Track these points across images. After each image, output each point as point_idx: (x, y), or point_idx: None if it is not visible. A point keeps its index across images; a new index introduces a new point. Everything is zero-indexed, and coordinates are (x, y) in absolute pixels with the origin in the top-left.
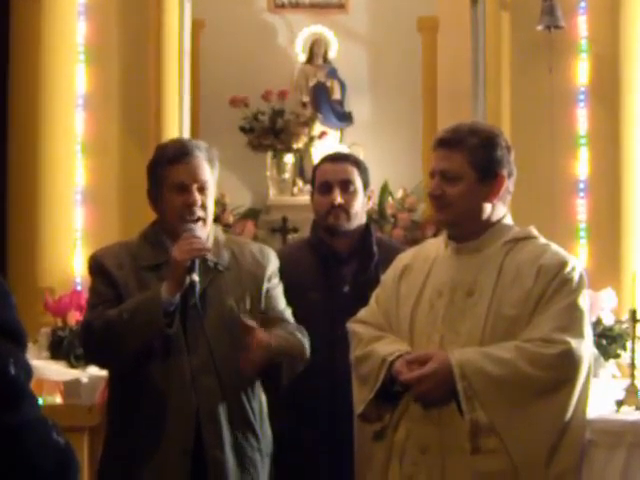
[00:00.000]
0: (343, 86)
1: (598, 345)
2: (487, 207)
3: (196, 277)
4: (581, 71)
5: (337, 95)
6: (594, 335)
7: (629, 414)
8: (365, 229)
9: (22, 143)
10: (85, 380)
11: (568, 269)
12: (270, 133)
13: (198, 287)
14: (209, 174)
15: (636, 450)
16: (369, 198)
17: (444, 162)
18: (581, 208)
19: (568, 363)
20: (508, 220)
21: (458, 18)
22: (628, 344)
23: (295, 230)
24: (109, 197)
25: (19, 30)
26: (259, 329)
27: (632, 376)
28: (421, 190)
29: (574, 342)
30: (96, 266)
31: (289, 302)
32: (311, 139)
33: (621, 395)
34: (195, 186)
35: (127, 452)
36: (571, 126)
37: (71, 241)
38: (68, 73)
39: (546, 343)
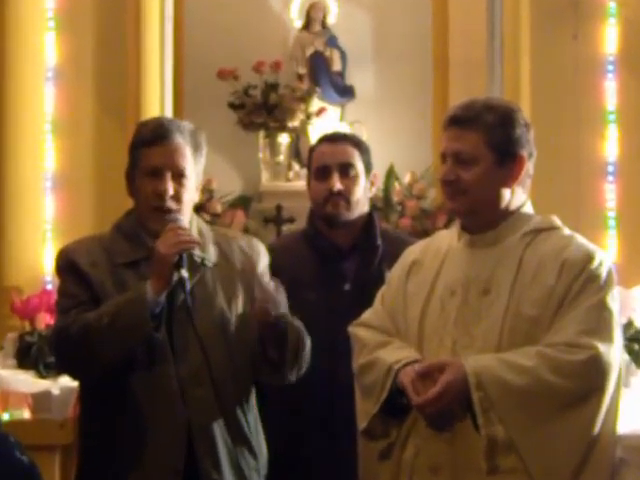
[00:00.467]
0: (344, 56)
1: (629, 350)
2: (506, 193)
3: (185, 273)
4: (609, 38)
5: (337, 66)
6: (625, 339)
7: None
8: (368, 219)
9: None
10: (56, 392)
11: (595, 264)
12: (262, 109)
13: (189, 284)
14: (190, 161)
15: None
16: (372, 184)
17: (457, 143)
18: (610, 194)
19: (596, 371)
20: (528, 208)
21: None
22: None
23: (291, 220)
24: (83, 183)
25: None
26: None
27: None
28: (431, 174)
29: (602, 347)
30: (66, 264)
31: None
32: (308, 116)
33: None
34: (169, 173)
35: (107, 475)
36: (598, 100)
37: (40, 234)
38: (35, 42)
39: (571, 348)
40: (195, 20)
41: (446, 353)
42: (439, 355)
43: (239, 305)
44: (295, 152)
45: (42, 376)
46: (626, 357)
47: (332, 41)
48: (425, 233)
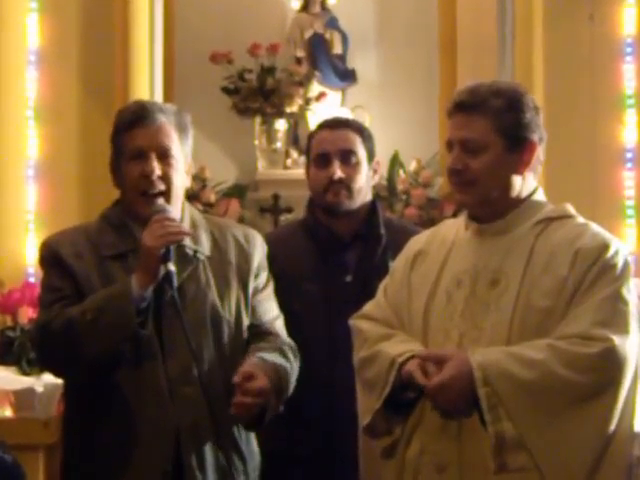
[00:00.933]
0: (345, 38)
1: None
2: (517, 180)
3: (172, 267)
4: (627, 18)
5: (338, 49)
6: None
7: None
8: (370, 208)
9: None
10: (40, 389)
11: (610, 253)
12: (258, 94)
13: (175, 279)
14: (175, 141)
15: None
16: (375, 171)
17: (464, 130)
18: (628, 182)
19: (610, 364)
20: (540, 196)
21: None
22: None
23: (288, 210)
24: (67, 172)
25: None
26: (260, 373)
27: None
28: (438, 162)
29: (617, 339)
30: (50, 256)
31: (281, 294)
32: (307, 101)
33: None
34: (154, 154)
35: (93, 476)
36: (615, 84)
37: (22, 225)
38: (17, 23)
39: (584, 341)
40: (186, 0)
41: (453, 347)
42: (445, 349)
43: (232, 300)
44: (293, 139)
45: (25, 373)
46: None
47: (332, 23)
48: (432, 223)
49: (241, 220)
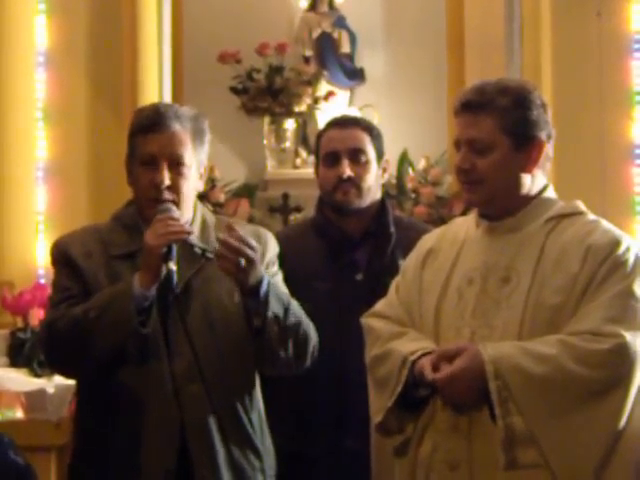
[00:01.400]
0: (353, 37)
1: None
2: (526, 178)
3: (173, 266)
4: (635, 15)
5: (346, 48)
6: None
7: None
8: (380, 206)
9: None
10: (51, 391)
11: (622, 250)
12: (267, 94)
13: (176, 278)
14: (189, 149)
15: None
16: (384, 170)
17: (471, 130)
18: (637, 178)
19: (621, 360)
20: (550, 193)
21: None
22: None
23: (298, 209)
24: (76, 173)
25: None
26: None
27: None
28: (447, 160)
29: (629, 335)
30: (60, 256)
31: (292, 293)
32: (315, 101)
33: None
34: (165, 162)
35: (99, 474)
36: (624, 81)
37: (32, 226)
38: (25, 25)
39: (595, 337)
40: (194, 0)
41: (465, 342)
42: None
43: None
44: (302, 138)
45: (36, 374)
46: None
47: (340, 22)
48: (441, 221)
49: (251, 220)
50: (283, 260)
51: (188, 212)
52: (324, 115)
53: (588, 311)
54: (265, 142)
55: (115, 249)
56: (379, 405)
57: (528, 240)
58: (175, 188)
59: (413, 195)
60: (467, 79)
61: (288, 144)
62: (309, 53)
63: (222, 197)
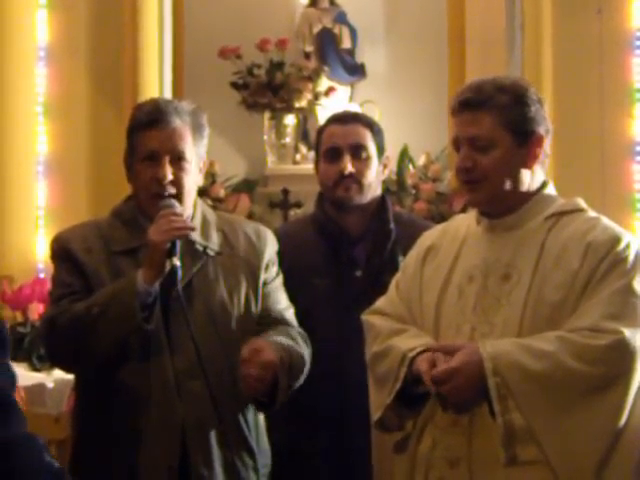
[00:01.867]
0: (354, 33)
1: None
2: (526, 175)
3: (177, 262)
4: (636, 12)
5: (347, 44)
6: None
7: None
8: (380, 203)
9: None
10: (51, 385)
11: (622, 246)
12: (267, 90)
13: (180, 273)
14: (189, 144)
15: None
16: (385, 166)
17: (471, 127)
18: (638, 175)
19: (620, 356)
20: (550, 190)
21: None
22: None
23: (298, 205)
24: (76, 168)
25: None
26: (267, 345)
27: None
28: (447, 156)
29: (628, 332)
30: (61, 251)
31: (291, 289)
32: (316, 96)
33: None
34: (167, 157)
35: (100, 470)
36: (624, 78)
37: (32, 220)
38: (26, 20)
39: (595, 333)
40: None
41: (464, 341)
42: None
43: (241, 297)
44: (302, 134)
45: (35, 369)
46: None
47: (341, 17)
48: (441, 217)
49: (251, 215)
50: (283, 256)
51: (189, 207)
52: (325, 111)
53: (588, 308)
54: (265, 137)
55: (116, 245)
56: (378, 402)
57: (528, 237)
58: (177, 183)
59: (413, 191)
60: (468, 75)
61: (288, 140)
62: (310, 49)
63: (222, 192)
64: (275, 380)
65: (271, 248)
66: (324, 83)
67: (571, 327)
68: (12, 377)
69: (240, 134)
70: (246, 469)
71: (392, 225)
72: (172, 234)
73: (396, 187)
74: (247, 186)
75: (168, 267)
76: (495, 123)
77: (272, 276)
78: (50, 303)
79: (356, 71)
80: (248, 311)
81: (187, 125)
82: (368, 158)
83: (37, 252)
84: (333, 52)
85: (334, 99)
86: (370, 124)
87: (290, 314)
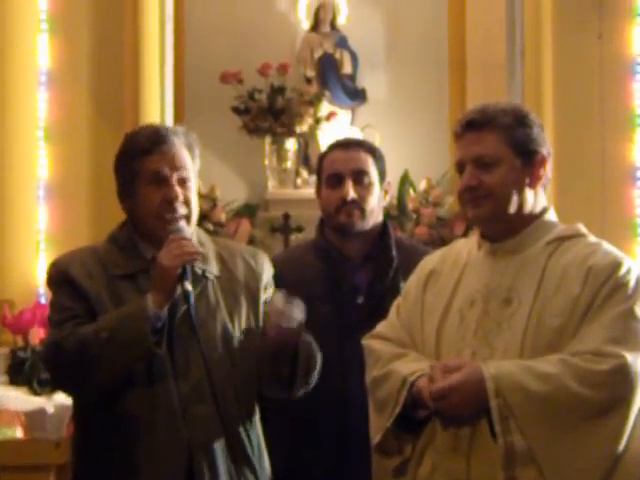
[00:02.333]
0: (355, 58)
1: None
2: (529, 195)
3: (189, 286)
4: (636, 37)
5: (348, 69)
6: None
7: None
8: (382, 229)
9: None
10: (51, 410)
11: (623, 271)
12: (268, 114)
13: (193, 298)
14: (190, 163)
15: None
16: (386, 192)
17: (476, 147)
18: (638, 200)
19: (622, 381)
20: (551, 216)
21: None
22: None
23: (299, 229)
24: (77, 192)
25: None
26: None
27: None
28: (448, 181)
29: (630, 356)
30: (60, 276)
31: None
32: (317, 121)
33: None
34: (175, 177)
35: None
36: (625, 103)
37: (33, 245)
38: (28, 44)
39: (596, 357)
40: (197, 20)
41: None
42: None
43: (242, 319)
44: (303, 158)
45: (36, 393)
46: None
47: (342, 42)
48: (442, 242)
49: (252, 239)
50: (284, 281)
51: (194, 226)
52: (326, 135)
53: (589, 331)
54: (266, 162)
55: (115, 269)
56: (379, 425)
57: (529, 262)
58: (186, 202)
59: (414, 216)
60: (469, 100)
61: (289, 164)
62: (311, 73)
63: (223, 216)
64: (295, 352)
65: (268, 271)
66: (325, 108)
67: (573, 350)
68: None
69: (241, 158)
70: None
71: (394, 252)
72: (184, 259)
73: (397, 211)
74: (248, 210)
75: (179, 292)
76: (499, 141)
77: (270, 296)
78: (51, 327)
79: (357, 96)
80: (249, 332)
81: (184, 146)
82: (370, 184)
83: (38, 276)
84: (334, 77)
85: (335, 124)
86: (372, 150)
87: None
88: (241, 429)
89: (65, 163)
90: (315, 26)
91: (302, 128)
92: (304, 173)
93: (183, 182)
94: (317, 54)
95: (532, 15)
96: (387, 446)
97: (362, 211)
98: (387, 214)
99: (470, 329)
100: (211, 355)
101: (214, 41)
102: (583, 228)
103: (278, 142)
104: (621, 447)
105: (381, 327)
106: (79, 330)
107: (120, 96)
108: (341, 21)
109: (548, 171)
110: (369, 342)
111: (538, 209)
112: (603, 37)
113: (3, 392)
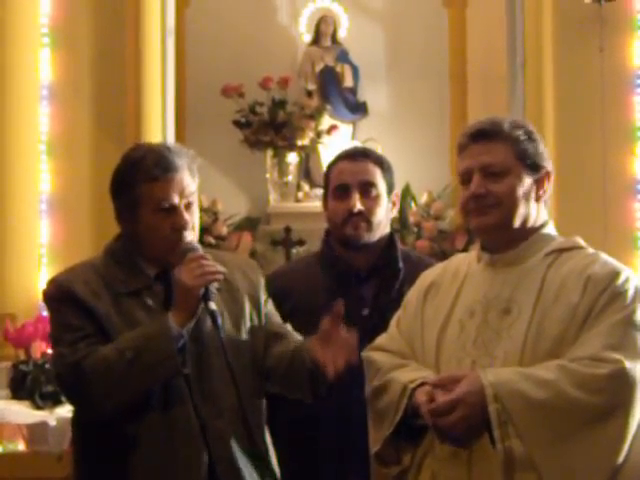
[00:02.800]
0: (356, 71)
1: None
2: (534, 208)
3: (214, 306)
4: (637, 51)
5: (349, 82)
6: None
7: None
8: (388, 241)
9: None
10: (53, 423)
11: (621, 280)
12: (270, 128)
13: (219, 318)
14: (193, 184)
15: None
16: (394, 204)
17: (485, 156)
18: (639, 213)
19: (621, 385)
20: (551, 229)
21: None
22: None
23: (300, 242)
24: (79, 206)
25: None
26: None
27: None
28: (449, 194)
29: (628, 363)
30: (63, 294)
31: (297, 328)
32: (318, 134)
33: None
34: (183, 204)
35: None
36: (626, 116)
37: (35, 258)
38: (29, 59)
39: (595, 362)
40: (198, 34)
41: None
42: None
43: (246, 328)
44: (305, 172)
45: (38, 407)
46: None
47: (343, 56)
48: (444, 255)
49: (253, 253)
50: (289, 294)
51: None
52: (327, 149)
53: (588, 338)
54: (268, 175)
55: (119, 287)
56: (378, 435)
57: (529, 273)
58: (192, 227)
59: (415, 229)
60: (469, 113)
61: (291, 178)
62: (312, 87)
63: (224, 230)
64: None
65: (261, 277)
66: (326, 121)
67: (572, 356)
68: None
69: (242, 172)
70: None
71: (400, 264)
72: (207, 279)
73: (398, 225)
74: (249, 224)
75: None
76: (509, 153)
77: (266, 299)
78: (60, 347)
79: (358, 109)
80: (255, 341)
81: (187, 167)
82: (378, 196)
83: (40, 290)
84: (335, 90)
85: (336, 137)
86: (380, 161)
87: (290, 327)
88: (258, 437)
89: (67, 177)
90: (316, 40)
91: (303, 142)
92: (305, 186)
93: (189, 206)
94: (318, 67)
95: (533, 28)
96: (385, 455)
97: (369, 223)
98: (393, 228)
99: (470, 339)
100: (219, 371)
101: (215, 55)
102: (581, 241)
103: (279, 155)
104: (621, 455)
105: (381, 339)
106: (99, 350)
107: (121, 110)
108: (342, 35)
109: (550, 187)
110: (369, 354)
111: (539, 222)
112: (604, 50)
113: (5, 406)
